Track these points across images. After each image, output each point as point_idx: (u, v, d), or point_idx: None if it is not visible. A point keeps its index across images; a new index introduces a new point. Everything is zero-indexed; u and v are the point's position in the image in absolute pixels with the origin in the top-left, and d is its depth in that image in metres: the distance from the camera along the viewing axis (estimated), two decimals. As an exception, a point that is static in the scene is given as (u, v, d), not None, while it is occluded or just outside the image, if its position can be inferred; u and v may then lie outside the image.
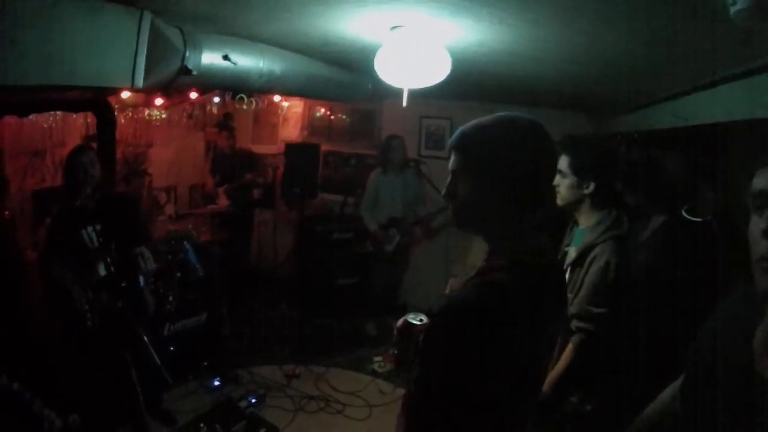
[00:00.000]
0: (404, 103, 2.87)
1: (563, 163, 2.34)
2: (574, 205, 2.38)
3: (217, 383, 4.28)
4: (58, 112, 5.03)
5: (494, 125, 1.32)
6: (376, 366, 4.78)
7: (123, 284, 3.25)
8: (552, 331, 1.41)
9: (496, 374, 1.16)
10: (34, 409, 2.09)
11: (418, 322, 1.58)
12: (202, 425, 3.66)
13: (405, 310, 1.67)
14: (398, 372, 2.23)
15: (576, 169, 2.32)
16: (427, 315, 1.53)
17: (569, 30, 2.01)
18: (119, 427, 3.48)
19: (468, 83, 3.83)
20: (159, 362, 3.27)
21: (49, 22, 1.79)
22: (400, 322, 1.61)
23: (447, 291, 1.62)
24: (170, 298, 4.25)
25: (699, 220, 2.12)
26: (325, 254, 5.79)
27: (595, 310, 2.19)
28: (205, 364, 4.44)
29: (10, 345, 3.12)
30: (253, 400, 4.04)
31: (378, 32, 2.51)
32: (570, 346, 2.21)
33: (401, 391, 4.09)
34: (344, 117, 6.70)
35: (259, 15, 2.43)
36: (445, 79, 2.64)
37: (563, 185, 2.35)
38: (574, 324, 2.22)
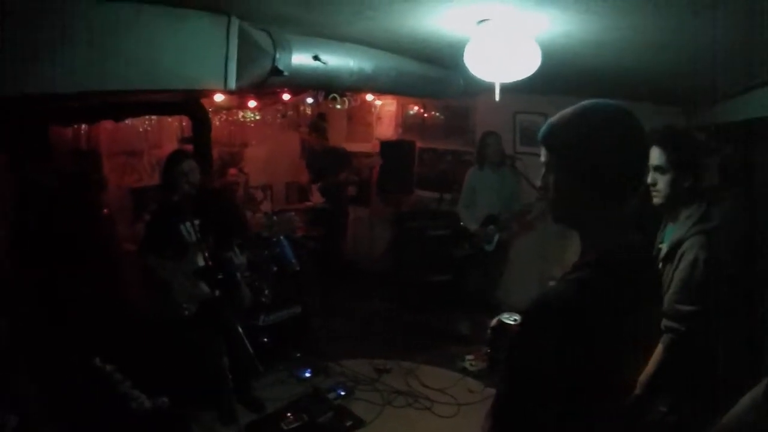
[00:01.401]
0: (497, 97, 2.82)
1: (659, 158, 2.20)
2: (671, 201, 2.25)
3: (307, 374, 4.41)
4: (153, 117, 5.34)
5: (579, 114, 1.31)
6: (467, 364, 4.71)
7: (220, 276, 3.41)
8: (644, 331, 1.35)
9: (580, 371, 1.15)
10: (123, 390, 2.25)
11: (512, 322, 1.57)
12: (289, 414, 3.79)
13: (500, 310, 1.66)
14: (492, 371, 2.22)
15: (675, 163, 2.18)
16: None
17: (656, 15, 1.92)
18: (207, 412, 3.64)
19: (558, 77, 3.72)
20: (251, 351, 3.41)
21: (140, 30, 1.94)
22: (494, 321, 1.61)
23: None
24: (266, 291, 4.43)
25: None
26: (420, 250, 5.81)
27: (684, 308, 2.05)
28: (298, 354, 4.59)
29: (106, 330, 3.36)
30: (342, 392, 4.14)
31: (465, 27, 2.49)
32: (659, 347, 2.08)
33: (491, 391, 4.03)
34: (438, 114, 6.68)
35: (346, 15, 2.48)
36: (535, 74, 2.58)
37: (663, 182, 2.21)
38: (664, 323, 2.09)
